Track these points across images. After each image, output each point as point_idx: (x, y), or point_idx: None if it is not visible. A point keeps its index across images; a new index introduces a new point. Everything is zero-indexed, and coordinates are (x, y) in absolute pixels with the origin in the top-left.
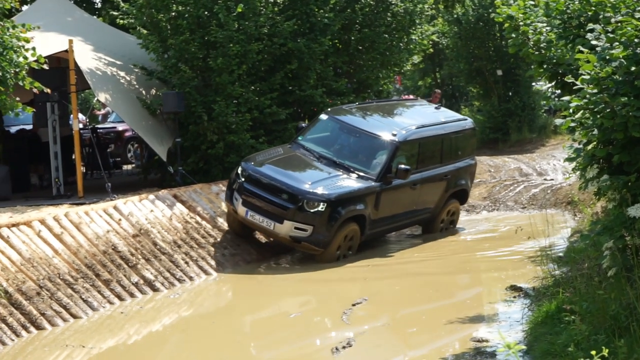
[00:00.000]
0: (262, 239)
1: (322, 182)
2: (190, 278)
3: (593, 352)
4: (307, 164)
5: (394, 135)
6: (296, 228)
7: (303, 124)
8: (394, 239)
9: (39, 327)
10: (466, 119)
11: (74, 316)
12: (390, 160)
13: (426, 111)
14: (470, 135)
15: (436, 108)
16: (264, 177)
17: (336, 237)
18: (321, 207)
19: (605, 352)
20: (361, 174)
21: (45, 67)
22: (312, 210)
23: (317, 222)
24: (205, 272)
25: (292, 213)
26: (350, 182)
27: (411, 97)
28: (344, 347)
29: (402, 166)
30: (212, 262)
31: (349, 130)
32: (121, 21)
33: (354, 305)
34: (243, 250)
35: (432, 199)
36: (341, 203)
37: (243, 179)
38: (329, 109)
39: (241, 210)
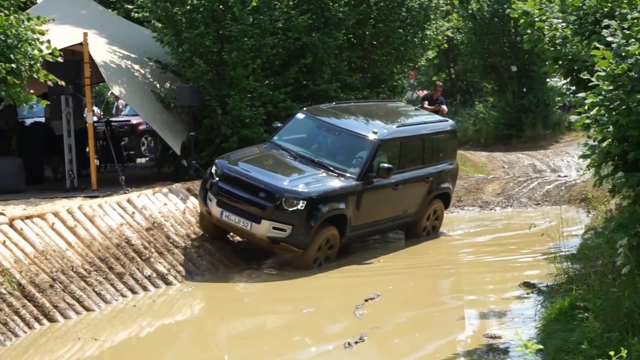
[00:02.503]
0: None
1: (301, 180)
2: (203, 272)
3: (611, 353)
4: (285, 162)
5: (375, 133)
6: (274, 228)
7: (279, 124)
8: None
9: (51, 320)
10: (447, 120)
11: (87, 309)
12: (371, 159)
13: (406, 112)
14: (451, 136)
15: (416, 109)
16: (239, 175)
17: (316, 239)
18: (300, 205)
19: (624, 352)
20: (341, 173)
21: (60, 59)
22: (291, 209)
23: (297, 221)
24: (217, 267)
25: (270, 212)
26: (330, 181)
27: (425, 92)
28: (356, 342)
29: (384, 165)
30: (225, 256)
31: (328, 128)
32: (136, 14)
33: (366, 300)
34: (256, 245)
35: (415, 202)
36: (322, 201)
37: (217, 178)
38: (305, 108)
39: (215, 211)
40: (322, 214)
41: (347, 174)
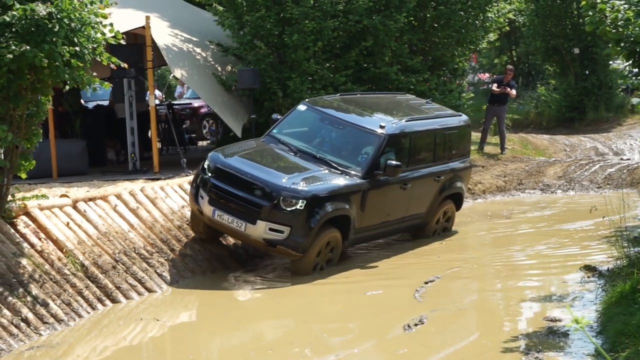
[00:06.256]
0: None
1: (301, 177)
2: (262, 256)
3: None
4: (284, 158)
5: (382, 127)
6: (271, 229)
7: (278, 116)
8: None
9: (114, 301)
10: (460, 115)
11: (149, 290)
12: (378, 156)
13: (416, 105)
14: (465, 132)
15: (427, 102)
16: (233, 171)
17: (316, 242)
18: (300, 205)
19: None
20: (345, 170)
21: (123, 42)
22: (289, 209)
23: (295, 222)
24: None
25: (267, 212)
26: (333, 179)
27: (487, 75)
28: (416, 325)
29: (392, 162)
30: None
31: (331, 121)
32: None
33: (426, 283)
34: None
35: (424, 202)
36: (323, 201)
37: (210, 174)
38: (307, 100)
39: (207, 209)
40: (323, 215)
41: (352, 172)
